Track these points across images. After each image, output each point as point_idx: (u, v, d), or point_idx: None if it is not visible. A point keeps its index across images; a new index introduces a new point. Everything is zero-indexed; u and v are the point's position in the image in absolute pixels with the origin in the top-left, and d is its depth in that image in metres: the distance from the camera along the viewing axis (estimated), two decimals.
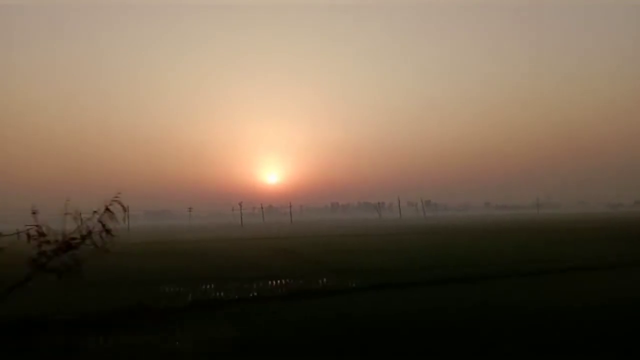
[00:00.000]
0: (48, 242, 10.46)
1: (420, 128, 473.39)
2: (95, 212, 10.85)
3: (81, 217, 10.93)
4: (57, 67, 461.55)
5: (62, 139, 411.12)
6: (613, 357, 7.94)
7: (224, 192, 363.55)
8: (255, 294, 14.33)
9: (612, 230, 47.55)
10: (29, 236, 10.41)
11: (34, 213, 10.61)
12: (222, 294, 14.27)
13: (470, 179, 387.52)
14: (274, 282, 16.18)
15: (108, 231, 10.64)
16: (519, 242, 34.38)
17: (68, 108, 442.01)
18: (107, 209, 10.59)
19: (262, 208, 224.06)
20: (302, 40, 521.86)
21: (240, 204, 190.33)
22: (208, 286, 15.42)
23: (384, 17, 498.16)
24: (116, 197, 11.03)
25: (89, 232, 10.63)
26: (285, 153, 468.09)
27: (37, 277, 10.44)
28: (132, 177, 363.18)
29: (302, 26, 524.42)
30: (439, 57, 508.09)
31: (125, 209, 12.04)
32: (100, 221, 10.77)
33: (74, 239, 10.64)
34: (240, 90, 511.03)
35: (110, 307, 11.91)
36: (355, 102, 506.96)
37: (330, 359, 8.20)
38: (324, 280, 16.45)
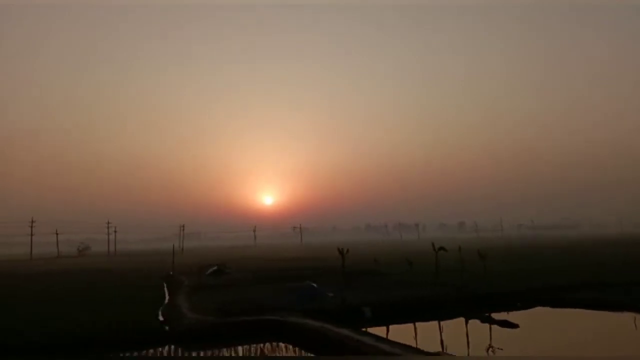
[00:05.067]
0: None
1: (447, 149, 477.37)
2: None
3: None
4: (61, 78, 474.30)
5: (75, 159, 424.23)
6: None
7: (237, 214, 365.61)
8: None
9: None
10: None
11: None
12: None
13: (497, 199, 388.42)
14: None
15: None
16: None
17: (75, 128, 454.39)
18: None
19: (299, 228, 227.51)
20: (312, 61, 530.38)
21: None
22: None
23: (397, 33, 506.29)
24: None
25: None
26: (304, 177, 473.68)
27: None
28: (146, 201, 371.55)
29: (309, 44, 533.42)
30: (456, 71, 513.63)
31: None
32: None
33: None
34: (252, 111, 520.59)
35: None
36: (384, 127, 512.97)
37: None
38: None
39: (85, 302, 22.99)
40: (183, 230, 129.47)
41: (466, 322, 18.14)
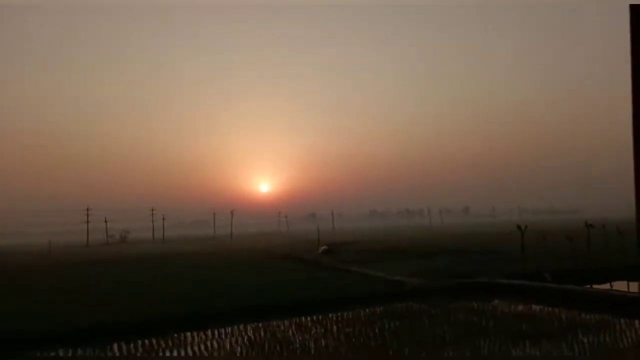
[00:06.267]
0: None
1: (446, 136, 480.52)
2: None
3: None
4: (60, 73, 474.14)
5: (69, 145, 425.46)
6: None
7: (237, 202, 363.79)
8: None
9: None
10: None
11: None
12: None
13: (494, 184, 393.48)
14: None
15: None
16: None
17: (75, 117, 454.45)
18: None
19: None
20: (304, 46, 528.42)
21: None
22: None
23: (388, 19, 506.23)
24: None
25: None
26: (306, 163, 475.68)
27: None
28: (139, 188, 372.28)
29: (301, 31, 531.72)
30: (456, 59, 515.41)
31: None
32: None
33: None
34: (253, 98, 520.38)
35: None
36: (375, 111, 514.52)
37: None
38: None
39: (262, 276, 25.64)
40: (232, 216, 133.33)
41: None
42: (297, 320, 14.89)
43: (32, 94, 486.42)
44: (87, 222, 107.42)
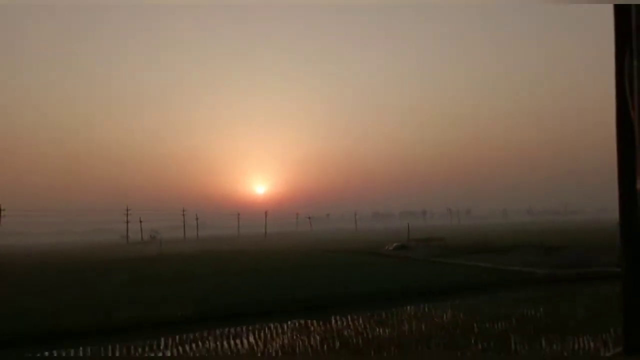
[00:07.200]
0: None
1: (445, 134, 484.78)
2: None
3: None
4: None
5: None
6: None
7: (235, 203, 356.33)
8: None
9: None
10: None
11: None
12: None
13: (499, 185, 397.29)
14: None
15: None
16: None
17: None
18: None
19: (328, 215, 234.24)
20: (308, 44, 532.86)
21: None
22: None
23: (388, 18, 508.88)
24: None
25: None
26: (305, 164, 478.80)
27: None
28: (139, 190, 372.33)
29: (302, 29, 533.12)
30: (454, 57, 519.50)
31: None
32: None
33: None
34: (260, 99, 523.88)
35: None
36: (385, 111, 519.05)
37: None
38: None
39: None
40: (266, 216, 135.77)
41: None
42: (455, 302, 17.13)
43: (43, 94, 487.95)
44: (127, 221, 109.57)
